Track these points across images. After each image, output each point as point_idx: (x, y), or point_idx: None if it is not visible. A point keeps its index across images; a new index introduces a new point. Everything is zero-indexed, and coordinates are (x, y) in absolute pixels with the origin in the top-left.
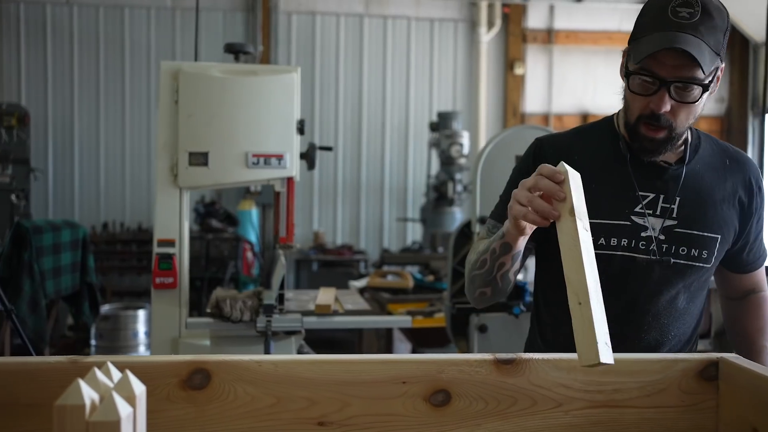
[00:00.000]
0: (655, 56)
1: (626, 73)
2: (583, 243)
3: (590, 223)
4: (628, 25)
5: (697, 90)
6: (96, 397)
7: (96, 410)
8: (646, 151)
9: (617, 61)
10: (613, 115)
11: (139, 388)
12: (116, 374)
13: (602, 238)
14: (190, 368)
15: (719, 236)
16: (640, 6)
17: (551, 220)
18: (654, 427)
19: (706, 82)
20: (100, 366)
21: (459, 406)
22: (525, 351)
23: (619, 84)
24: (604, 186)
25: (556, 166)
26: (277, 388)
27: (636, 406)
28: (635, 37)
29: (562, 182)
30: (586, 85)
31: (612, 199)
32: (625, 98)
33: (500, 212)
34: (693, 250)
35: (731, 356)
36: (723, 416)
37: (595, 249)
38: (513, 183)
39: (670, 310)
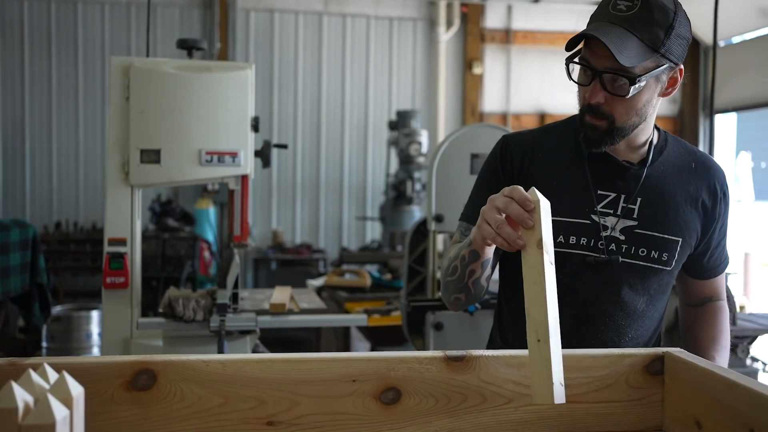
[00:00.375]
0: (589, 46)
1: (566, 61)
2: (547, 278)
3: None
4: (585, 26)
5: (626, 82)
6: (30, 399)
7: (30, 413)
8: (590, 141)
9: None
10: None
11: (76, 389)
12: (53, 376)
13: (561, 236)
14: (135, 369)
15: (680, 239)
16: (595, 7)
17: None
18: (602, 422)
19: (637, 75)
20: (37, 368)
21: (409, 403)
22: (487, 348)
23: (574, 84)
24: (566, 184)
25: (522, 165)
26: (225, 388)
27: (585, 401)
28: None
29: (532, 210)
30: (543, 85)
31: (573, 197)
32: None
33: (470, 213)
34: (653, 251)
35: (676, 351)
36: (668, 409)
37: (554, 247)
38: (482, 182)
39: (627, 311)
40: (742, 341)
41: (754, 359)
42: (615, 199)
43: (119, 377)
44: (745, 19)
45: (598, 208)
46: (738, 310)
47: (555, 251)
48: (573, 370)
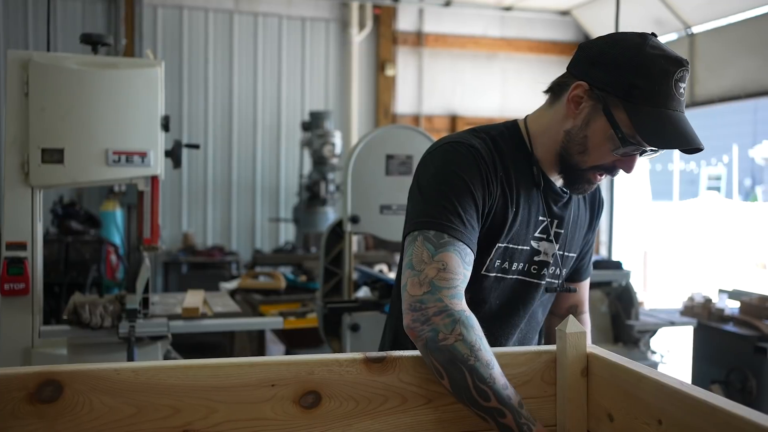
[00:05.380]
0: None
1: (622, 140)
2: None
3: (502, 247)
4: (493, 31)
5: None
6: None
7: None
8: (583, 190)
9: (483, 65)
10: (517, 125)
11: None
12: None
13: (507, 263)
14: (39, 380)
15: (576, 254)
16: (504, 13)
17: None
18: None
19: None
20: None
21: (329, 407)
22: (392, 345)
23: (485, 86)
24: (521, 211)
25: (491, 181)
26: (137, 397)
27: None
28: (631, 96)
29: None
30: (454, 87)
31: (523, 225)
32: (581, 141)
33: (446, 223)
34: (564, 270)
35: (590, 347)
36: None
37: (496, 272)
38: (459, 191)
39: (531, 322)
40: (644, 335)
41: (653, 351)
42: (548, 224)
43: (21, 389)
44: (642, 29)
45: (536, 233)
46: (639, 305)
47: (497, 276)
48: None
